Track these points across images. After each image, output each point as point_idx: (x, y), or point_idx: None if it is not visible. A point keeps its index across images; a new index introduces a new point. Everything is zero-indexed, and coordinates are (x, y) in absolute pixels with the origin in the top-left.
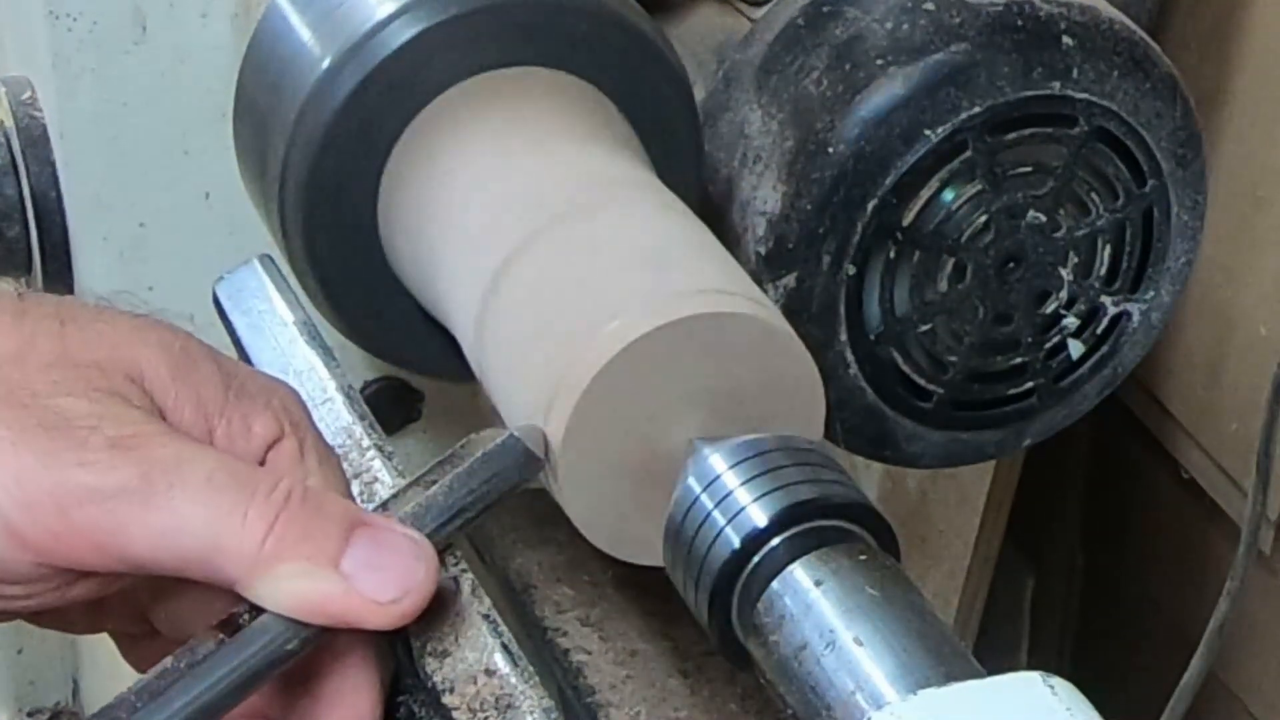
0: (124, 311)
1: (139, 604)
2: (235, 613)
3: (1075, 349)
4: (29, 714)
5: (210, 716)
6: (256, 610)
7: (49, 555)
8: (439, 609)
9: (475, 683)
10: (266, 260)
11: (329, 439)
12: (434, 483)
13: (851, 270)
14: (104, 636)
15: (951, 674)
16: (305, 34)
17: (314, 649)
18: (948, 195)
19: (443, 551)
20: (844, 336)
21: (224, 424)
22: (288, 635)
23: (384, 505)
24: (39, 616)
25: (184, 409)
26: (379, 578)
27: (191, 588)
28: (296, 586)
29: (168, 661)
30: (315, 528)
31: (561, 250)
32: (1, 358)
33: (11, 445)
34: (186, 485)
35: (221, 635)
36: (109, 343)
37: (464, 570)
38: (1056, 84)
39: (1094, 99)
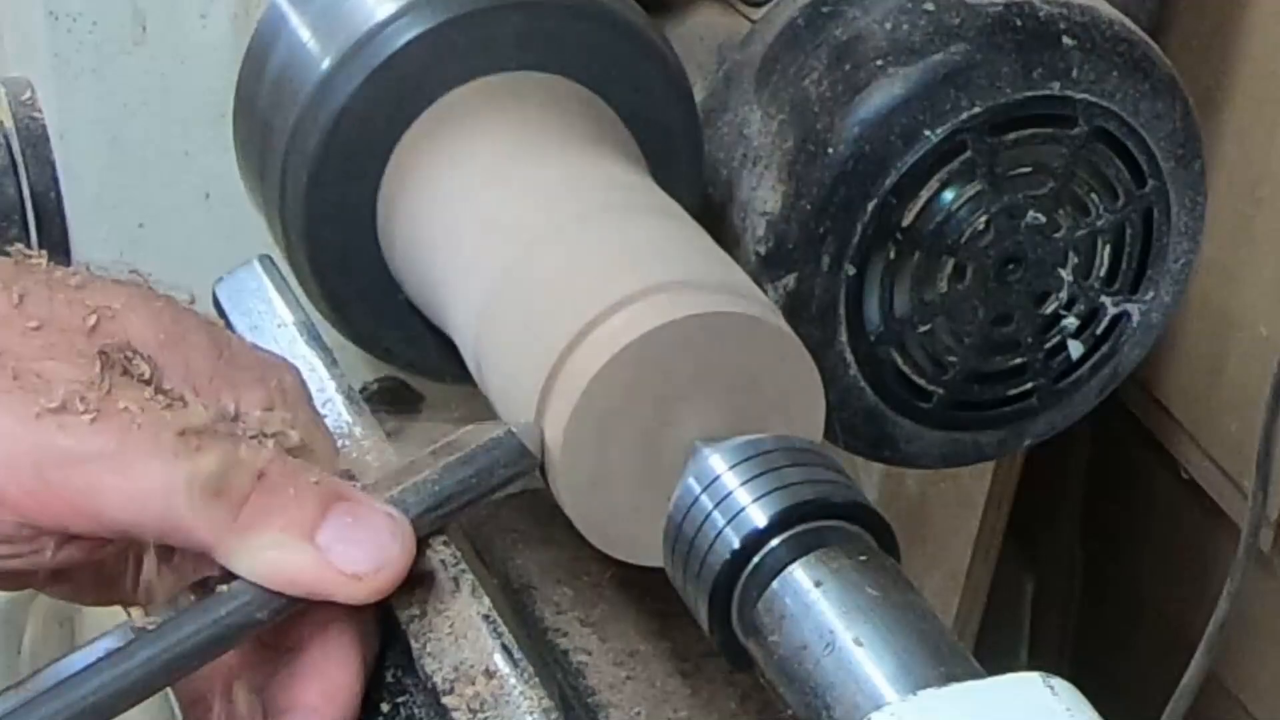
0: (117, 280)
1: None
2: (211, 576)
3: (1075, 349)
4: None
5: (170, 676)
6: (231, 576)
7: (27, 514)
8: (439, 609)
9: (475, 683)
10: (266, 260)
11: None
12: (425, 469)
13: (851, 271)
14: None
15: (951, 674)
16: (305, 34)
17: (296, 621)
18: (948, 196)
19: (427, 537)
20: (844, 337)
21: (213, 393)
22: (257, 604)
23: (373, 485)
24: (50, 586)
25: (172, 377)
26: (353, 552)
27: (187, 556)
28: (269, 556)
29: (138, 616)
30: (292, 499)
31: (559, 253)
32: None
33: None
34: (164, 452)
35: (194, 597)
36: (98, 309)
37: (464, 570)
38: (1056, 84)
39: (1094, 99)
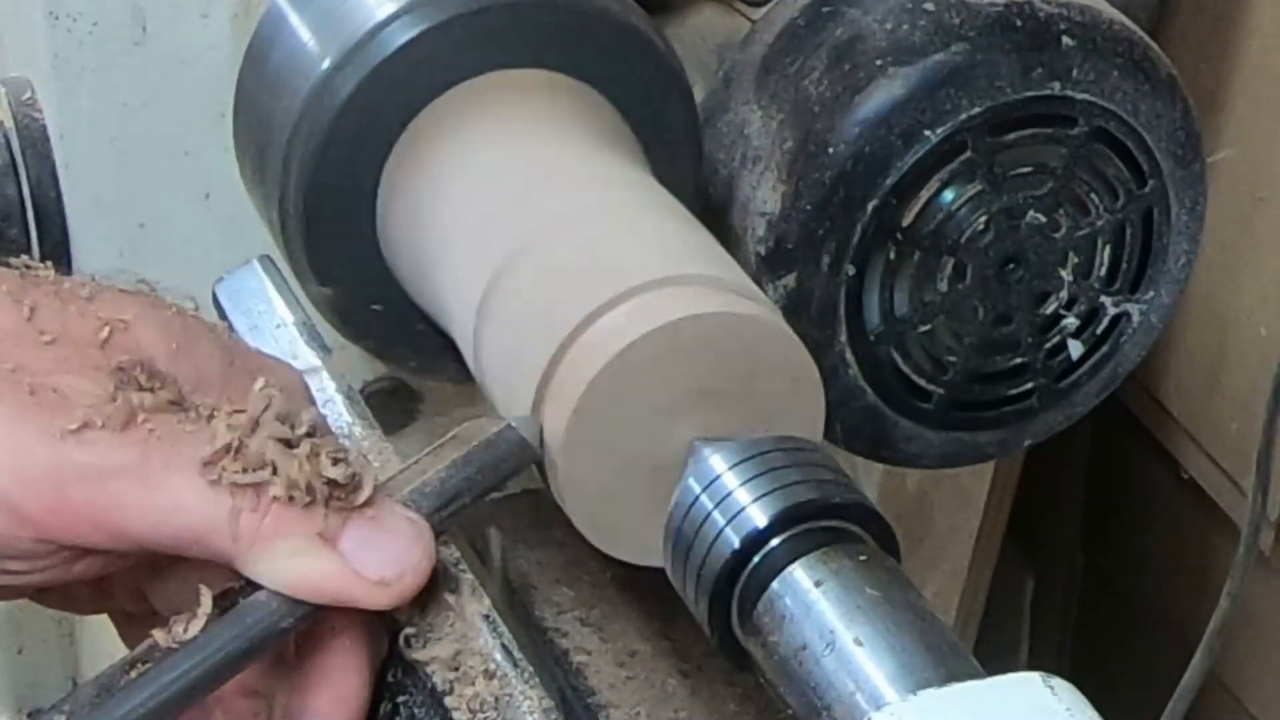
0: (125, 290)
1: (138, 582)
2: (232, 588)
3: (1075, 349)
4: (29, 714)
5: (202, 690)
6: (253, 586)
7: (48, 531)
8: (439, 609)
9: (475, 683)
10: (266, 260)
11: None
12: (430, 468)
13: (851, 270)
14: (103, 637)
15: (951, 674)
16: (305, 34)
17: (305, 628)
18: (948, 196)
19: (437, 537)
20: (844, 336)
21: (224, 401)
22: (282, 612)
23: (379, 487)
24: (43, 596)
25: (184, 386)
26: (376, 558)
27: (188, 565)
28: (294, 565)
29: (160, 634)
30: (313, 506)
31: (559, 252)
32: (1, 333)
33: (10, 422)
34: (184, 464)
35: (216, 610)
36: (110, 321)
37: (464, 570)
38: (1056, 84)
39: (1094, 99)
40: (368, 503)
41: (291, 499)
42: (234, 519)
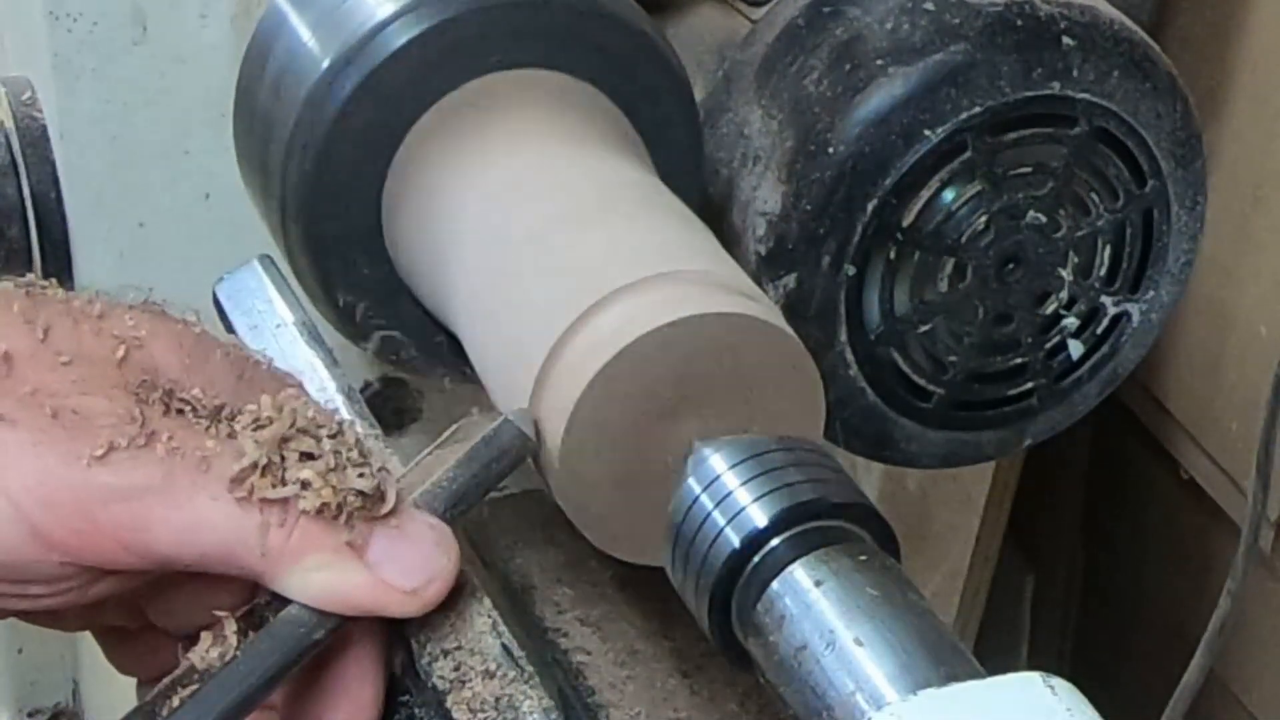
0: (135, 305)
1: (136, 598)
2: (257, 604)
3: (1075, 349)
4: (29, 714)
5: (249, 706)
6: (280, 602)
7: (74, 554)
8: (439, 609)
9: (475, 683)
10: (266, 260)
11: None
12: (435, 469)
13: (851, 270)
14: None
15: (951, 674)
16: (305, 34)
17: None
18: (948, 195)
19: None
20: (844, 336)
21: (239, 414)
22: (314, 625)
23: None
24: (34, 614)
25: (199, 401)
26: (403, 567)
27: (197, 581)
28: (323, 578)
29: (196, 656)
30: (338, 518)
31: (560, 249)
32: (17, 356)
33: (33, 446)
34: (211, 481)
35: (246, 626)
36: (125, 339)
37: (464, 570)
38: (1056, 84)
39: (1094, 99)
40: (391, 511)
41: (319, 512)
42: (262, 535)
